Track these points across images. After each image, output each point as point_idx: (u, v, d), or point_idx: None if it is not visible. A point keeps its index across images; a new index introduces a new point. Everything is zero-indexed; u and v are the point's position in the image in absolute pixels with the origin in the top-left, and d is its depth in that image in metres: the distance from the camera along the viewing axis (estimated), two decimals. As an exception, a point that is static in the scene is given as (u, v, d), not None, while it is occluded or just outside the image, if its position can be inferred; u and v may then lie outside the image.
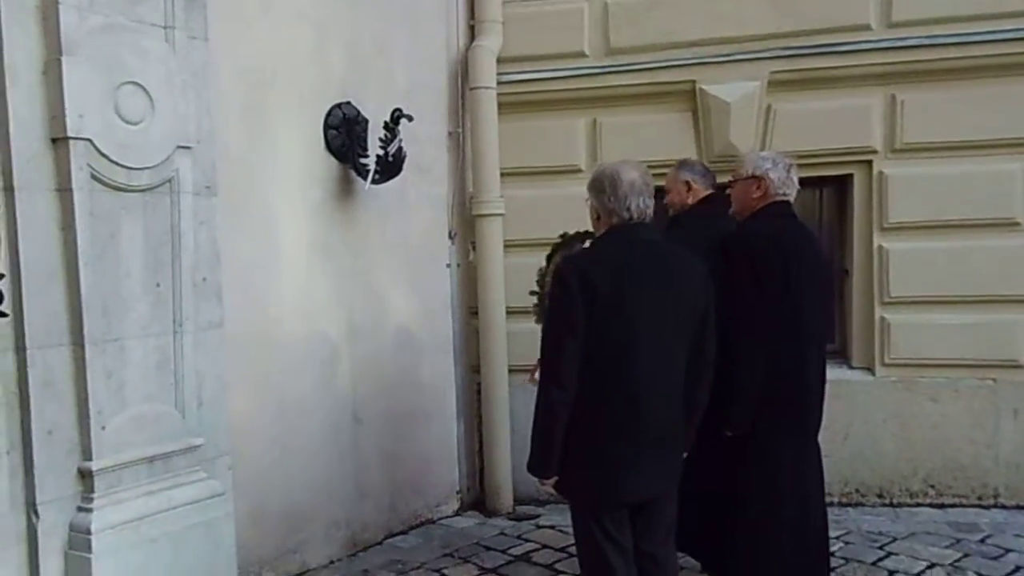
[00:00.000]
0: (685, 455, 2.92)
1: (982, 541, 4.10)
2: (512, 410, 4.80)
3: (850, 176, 4.71)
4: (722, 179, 3.74)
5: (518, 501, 4.84)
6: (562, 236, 4.08)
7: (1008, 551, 3.97)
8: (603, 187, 2.70)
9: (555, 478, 2.73)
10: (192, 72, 3.37)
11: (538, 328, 3.98)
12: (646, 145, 4.70)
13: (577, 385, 2.61)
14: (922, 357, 4.58)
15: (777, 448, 3.04)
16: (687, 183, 3.70)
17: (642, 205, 2.68)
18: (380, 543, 4.40)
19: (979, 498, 4.56)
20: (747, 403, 3.00)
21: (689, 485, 3.13)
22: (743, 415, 3.00)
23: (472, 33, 4.87)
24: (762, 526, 3.03)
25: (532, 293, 4.01)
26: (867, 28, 4.50)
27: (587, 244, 3.86)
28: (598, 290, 2.57)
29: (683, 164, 3.83)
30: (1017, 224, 4.44)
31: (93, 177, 3.07)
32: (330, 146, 4.14)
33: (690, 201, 3.70)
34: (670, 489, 2.82)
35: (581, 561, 2.84)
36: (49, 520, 3.03)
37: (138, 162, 3.19)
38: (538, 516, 4.68)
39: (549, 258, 4.01)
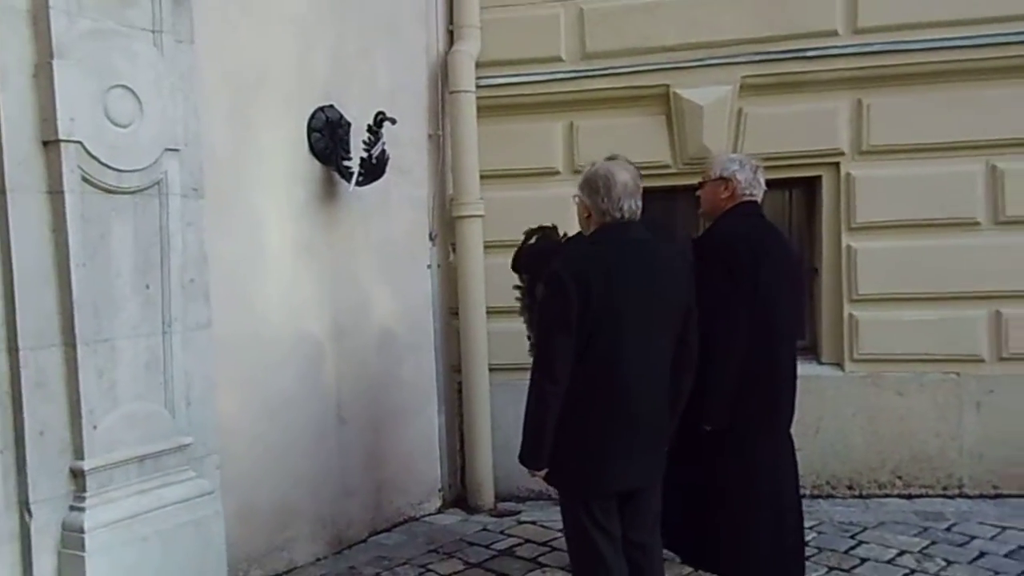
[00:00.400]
0: (667, 449, 3.04)
1: (948, 529, 4.25)
2: (493, 408, 4.87)
3: (819, 178, 4.84)
4: (697, 180, 3.84)
5: (499, 498, 4.92)
6: (527, 233, 4.15)
7: (973, 538, 4.12)
8: (597, 187, 2.79)
9: (545, 470, 2.82)
10: (179, 75, 3.41)
11: (521, 327, 4.06)
12: (621, 147, 4.66)
13: (569, 379, 2.70)
14: (889, 352, 4.72)
15: (753, 441, 3.14)
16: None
17: (633, 206, 2.79)
18: (365, 540, 4.45)
19: (944, 488, 4.71)
20: (722, 398, 3.10)
21: (670, 480, 3.25)
22: (719, 410, 3.10)
23: (451, 38, 4.94)
24: (741, 516, 3.13)
25: (516, 287, 4.07)
26: (834, 34, 4.63)
27: (562, 237, 3.97)
28: (592, 288, 2.66)
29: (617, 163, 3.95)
30: (978, 223, 4.60)
31: (84, 179, 3.10)
32: (313, 148, 4.18)
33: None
34: (656, 479, 2.92)
35: (571, 550, 2.92)
36: (42, 519, 3.06)
37: (128, 164, 3.23)
38: (519, 512, 4.75)
39: (518, 256, 4.06)
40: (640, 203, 2.82)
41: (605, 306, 2.67)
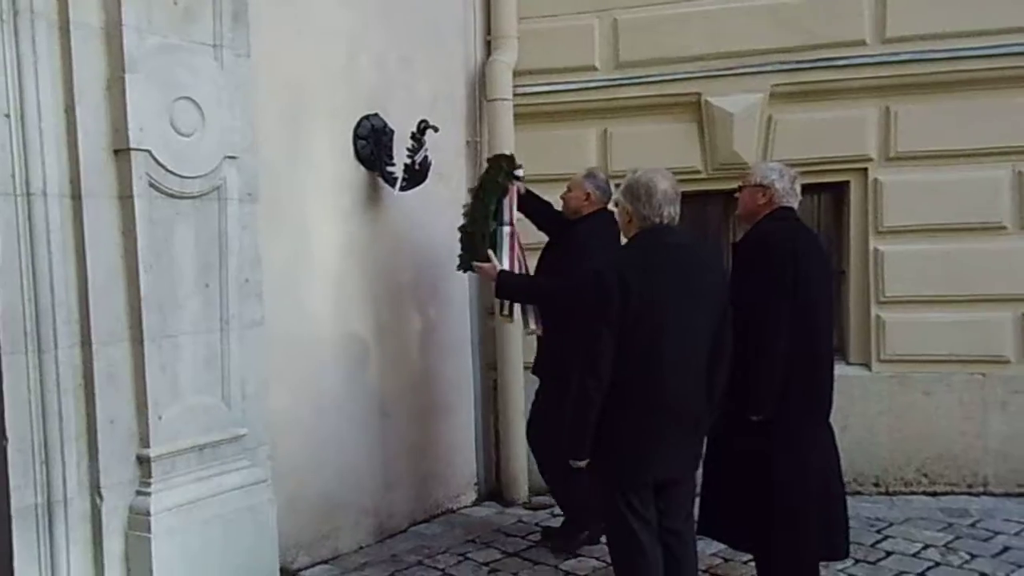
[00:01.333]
0: (713, 443, 3.21)
1: (972, 525, 4.36)
2: (527, 405, 5.03)
3: (847, 183, 4.96)
4: (728, 186, 3.99)
5: (533, 492, 5.07)
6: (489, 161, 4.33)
7: (996, 534, 4.22)
8: (639, 195, 2.96)
9: (587, 460, 2.98)
10: (237, 87, 3.61)
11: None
12: (654, 154, 4.92)
13: (611, 374, 2.86)
14: (915, 353, 4.83)
15: (801, 429, 3.28)
16: (588, 193, 4.14)
17: (672, 212, 2.97)
18: (405, 530, 4.63)
19: (969, 486, 4.81)
20: (768, 391, 3.23)
21: (717, 471, 3.41)
22: (766, 401, 3.23)
23: (489, 48, 5.13)
24: (792, 503, 3.25)
25: (460, 229, 4.26)
26: (863, 44, 4.76)
27: (515, 171, 4.23)
28: (632, 289, 2.83)
29: (591, 175, 4.23)
30: (1004, 228, 4.70)
31: (151, 185, 3.31)
32: (359, 155, 4.38)
33: (585, 209, 4.12)
34: (692, 469, 3.10)
35: (609, 537, 3.09)
36: (112, 502, 3.27)
37: (190, 171, 3.44)
38: (553, 505, 4.88)
39: (477, 190, 4.24)
40: (679, 209, 3.00)
41: (645, 306, 2.84)
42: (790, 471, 3.23)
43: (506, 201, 4.27)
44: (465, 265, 4.31)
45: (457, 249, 4.34)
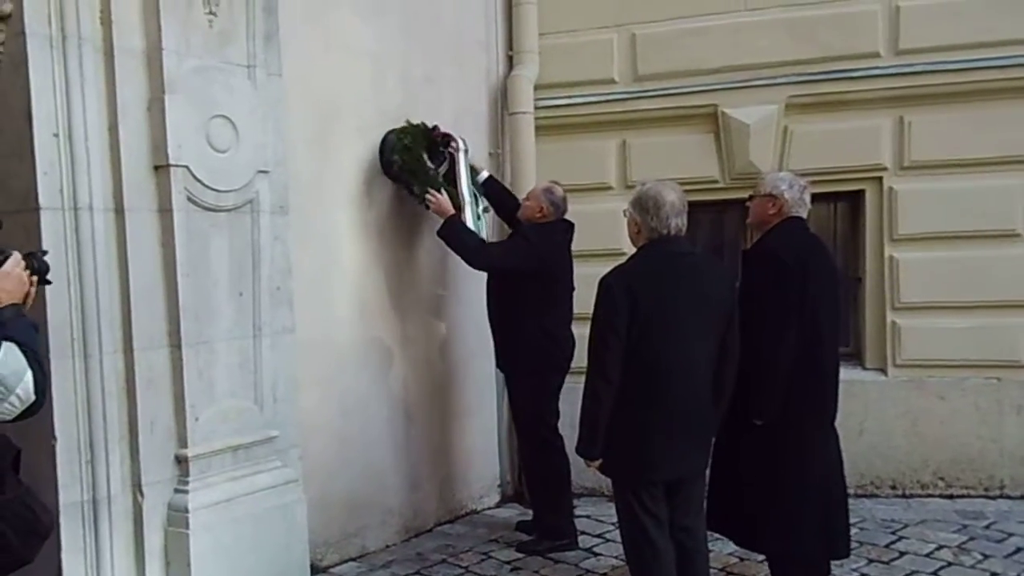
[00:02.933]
0: (721, 444, 3.33)
1: (987, 527, 4.43)
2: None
3: (862, 191, 5.06)
4: (745, 195, 4.09)
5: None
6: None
7: (1011, 535, 4.29)
8: (647, 206, 3.10)
9: (600, 460, 3.12)
10: (270, 105, 3.78)
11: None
12: (672, 164, 5.08)
13: (621, 379, 3.00)
14: (931, 358, 4.91)
15: (805, 434, 3.38)
16: (542, 206, 4.41)
17: (680, 223, 3.11)
18: (430, 530, 4.78)
19: (985, 489, 4.87)
20: (773, 396, 3.34)
21: (724, 468, 3.53)
22: (770, 406, 3.34)
23: (511, 63, 5.29)
24: (793, 501, 3.35)
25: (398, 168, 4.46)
26: (877, 55, 4.86)
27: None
28: (640, 297, 2.98)
29: (549, 190, 4.47)
30: (1018, 235, 4.77)
31: (189, 199, 3.49)
32: (385, 168, 4.55)
33: (538, 219, 4.41)
34: (701, 469, 3.22)
35: (623, 533, 3.22)
36: (152, 500, 3.44)
37: (225, 185, 3.62)
38: (574, 508, 5.02)
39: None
40: (685, 221, 3.13)
41: (653, 312, 2.98)
42: (792, 473, 3.34)
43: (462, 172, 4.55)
44: (420, 196, 4.46)
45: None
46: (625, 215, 3.23)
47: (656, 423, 3.04)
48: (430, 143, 4.55)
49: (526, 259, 4.31)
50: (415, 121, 4.59)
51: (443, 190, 4.43)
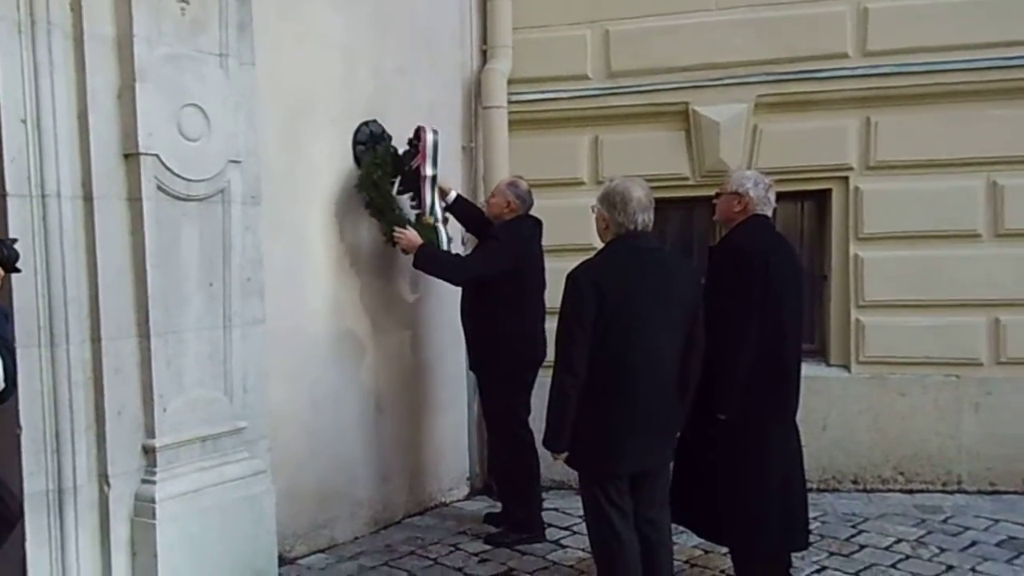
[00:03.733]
0: (684, 438, 3.39)
1: (944, 521, 4.53)
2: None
3: (829, 191, 5.13)
4: (714, 192, 4.14)
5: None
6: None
7: (967, 529, 4.40)
8: (615, 202, 3.14)
9: (566, 453, 3.15)
10: (242, 94, 3.76)
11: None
12: (643, 161, 5.13)
13: (587, 373, 3.04)
14: (893, 355, 5.00)
15: (764, 428, 3.44)
16: (508, 201, 4.45)
17: (646, 219, 3.15)
18: (399, 522, 4.79)
19: (944, 484, 4.98)
20: (735, 390, 3.40)
21: (687, 462, 3.58)
22: (732, 401, 3.40)
23: (484, 57, 5.30)
24: (755, 494, 3.42)
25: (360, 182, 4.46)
26: (845, 56, 4.93)
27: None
28: (607, 292, 3.02)
29: (513, 184, 4.53)
30: (979, 235, 4.88)
31: (159, 188, 3.47)
32: (358, 160, 4.53)
33: (506, 215, 4.44)
34: (666, 462, 3.27)
35: (589, 526, 3.26)
36: (118, 490, 3.43)
37: (196, 175, 3.60)
38: (542, 501, 5.06)
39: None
40: (652, 216, 3.17)
41: (619, 307, 3.02)
42: (753, 467, 3.40)
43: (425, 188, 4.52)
44: (387, 234, 4.48)
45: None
46: (593, 211, 3.26)
47: (622, 417, 3.07)
48: (397, 167, 4.53)
49: (504, 260, 4.33)
50: (389, 114, 4.61)
51: (408, 226, 4.43)
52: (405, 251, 4.41)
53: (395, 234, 4.39)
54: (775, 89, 5.02)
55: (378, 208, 4.46)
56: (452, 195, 4.72)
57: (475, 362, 4.66)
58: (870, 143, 4.99)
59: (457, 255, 4.60)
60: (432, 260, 4.41)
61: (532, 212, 4.58)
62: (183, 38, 3.55)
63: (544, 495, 4.96)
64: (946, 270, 4.90)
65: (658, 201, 5.17)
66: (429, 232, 4.49)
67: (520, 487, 4.53)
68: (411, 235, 4.36)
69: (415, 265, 4.42)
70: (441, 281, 4.90)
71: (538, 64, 5.24)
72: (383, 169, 4.47)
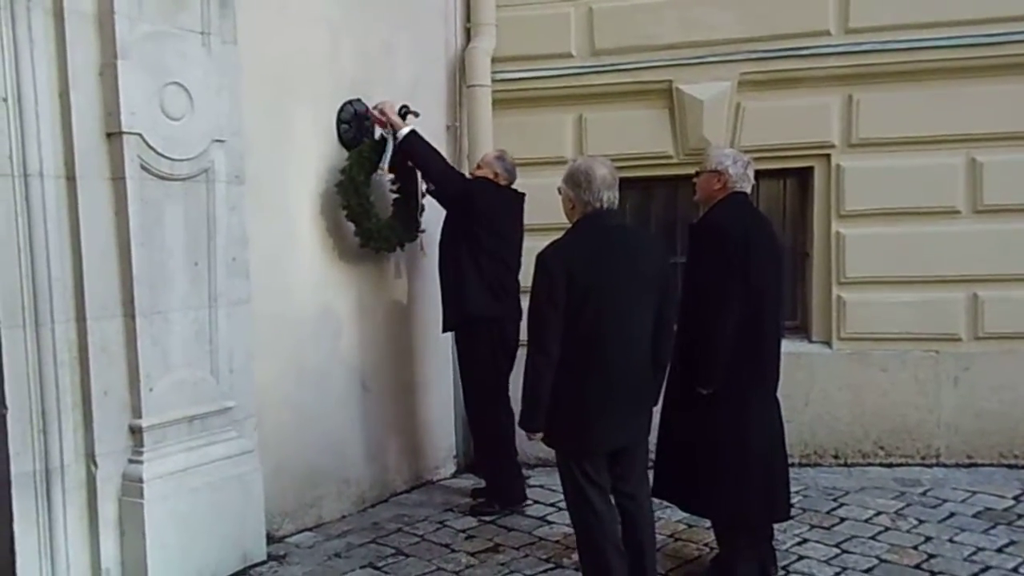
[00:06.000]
0: (667, 413, 3.42)
1: (923, 494, 4.60)
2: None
3: (811, 168, 5.16)
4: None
5: (509, 464, 5.27)
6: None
7: (945, 501, 4.47)
8: (580, 181, 3.14)
9: (541, 432, 3.18)
10: (224, 73, 3.76)
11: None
12: (627, 139, 5.16)
13: (560, 352, 3.05)
14: (874, 331, 5.05)
15: (745, 402, 3.48)
16: (496, 173, 4.55)
17: (611, 196, 3.15)
18: (386, 500, 4.82)
19: (923, 457, 5.05)
20: (716, 366, 3.43)
21: (669, 436, 3.62)
22: (713, 375, 3.44)
23: (468, 35, 5.28)
24: (736, 466, 3.45)
25: (338, 185, 4.45)
26: (827, 34, 4.94)
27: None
28: (576, 271, 3.03)
29: (500, 157, 4.61)
30: (958, 212, 4.92)
31: (142, 167, 3.47)
32: (342, 139, 4.53)
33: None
34: (643, 437, 3.31)
35: (568, 502, 3.30)
36: (106, 470, 3.45)
37: (180, 154, 3.59)
38: (528, 478, 5.09)
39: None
40: (617, 194, 3.18)
41: (589, 285, 3.04)
42: (735, 441, 3.44)
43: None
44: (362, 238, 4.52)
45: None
46: (559, 192, 3.26)
47: (597, 394, 3.09)
48: (373, 164, 4.52)
49: (482, 193, 4.47)
50: (373, 93, 4.62)
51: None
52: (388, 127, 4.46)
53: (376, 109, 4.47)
54: (758, 67, 5.03)
55: (355, 215, 4.46)
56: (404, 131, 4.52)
57: (449, 318, 4.65)
58: (852, 121, 5.01)
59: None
60: (420, 146, 4.46)
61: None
62: (164, 15, 3.53)
63: (529, 472, 5.03)
64: (926, 246, 4.94)
65: (642, 180, 5.32)
66: (387, 230, 4.59)
67: (498, 451, 4.60)
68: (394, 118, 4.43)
69: (405, 145, 4.42)
70: (424, 259, 4.93)
71: (522, 42, 5.23)
72: (364, 170, 4.45)
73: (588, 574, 3.27)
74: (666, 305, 3.22)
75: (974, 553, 3.84)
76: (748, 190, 3.62)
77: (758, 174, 3.82)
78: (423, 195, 4.75)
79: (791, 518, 3.82)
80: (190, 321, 3.71)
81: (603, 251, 3.09)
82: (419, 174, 4.67)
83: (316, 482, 4.47)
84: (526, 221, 4.68)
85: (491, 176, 4.55)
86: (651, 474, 3.53)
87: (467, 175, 4.89)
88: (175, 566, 3.56)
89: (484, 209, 4.45)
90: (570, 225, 3.26)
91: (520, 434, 3.44)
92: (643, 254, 3.19)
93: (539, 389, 3.10)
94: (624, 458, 3.25)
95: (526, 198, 4.69)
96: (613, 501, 3.26)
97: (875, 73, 4.93)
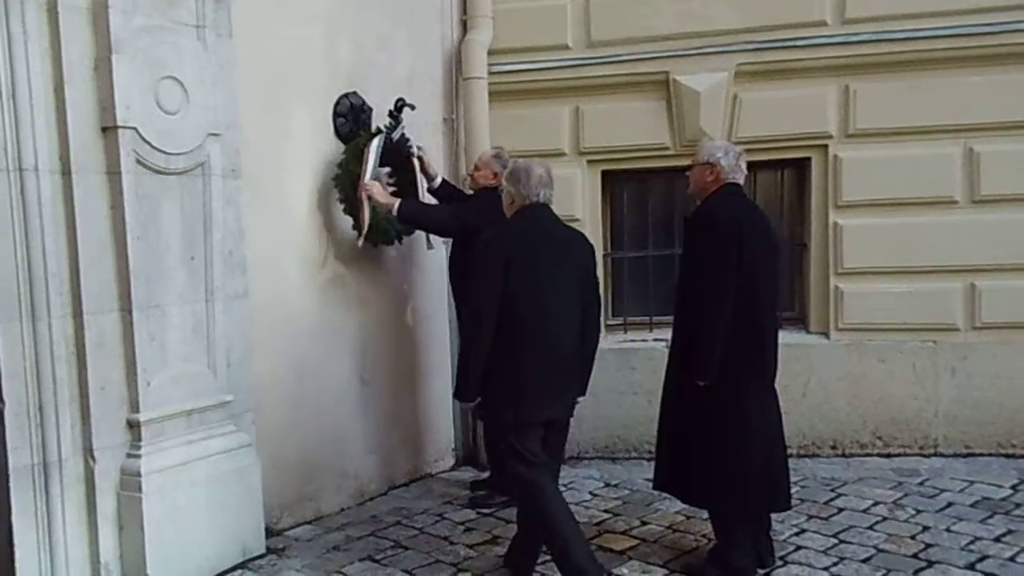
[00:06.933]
0: (666, 406, 3.46)
1: (921, 484, 4.61)
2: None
3: (808, 159, 5.15)
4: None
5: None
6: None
7: (943, 491, 4.48)
8: (519, 178, 3.49)
9: (476, 401, 3.42)
10: (220, 67, 3.75)
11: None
12: (624, 131, 5.16)
13: (496, 327, 3.32)
14: (872, 322, 5.05)
15: (743, 393, 3.48)
16: (495, 173, 4.46)
17: (547, 193, 3.50)
18: (385, 493, 4.83)
19: (921, 448, 5.06)
20: (711, 358, 3.43)
21: (671, 432, 3.62)
22: (709, 367, 3.44)
23: (465, 28, 5.27)
24: (735, 459, 3.45)
25: (335, 178, 4.49)
26: (823, 24, 4.94)
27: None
28: (513, 256, 3.34)
29: (498, 156, 4.58)
30: (955, 202, 4.92)
31: (138, 162, 3.46)
32: (339, 132, 4.52)
33: (493, 183, 4.43)
34: (569, 413, 3.57)
35: (512, 484, 3.51)
36: (104, 464, 3.45)
37: (175, 148, 3.59)
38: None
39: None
40: (552, 191, 3.52)
41: (525, 269, 3.34)
42: (734, 433, 3.44)
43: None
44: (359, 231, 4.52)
45: None
46: (501, 191, 3.60)
47: (531, 367, 3.34)
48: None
49: (489, 217, 4.37)
50: (369, 86, 4.62)
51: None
52: (381, 208, 4.46)
53: (364, 187, 4.42)
54: (754, 58, 5.02)
55: (352, 208, 4.48)
56: (438, 180, 4.78)
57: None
58: (849, 111, 5.00)
59: (445, 205, 4.69)
60: (421, 210, 4.56)
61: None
62: (159, 8, 3.53)
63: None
64: (923, 237, 4.94)
65: (639, 172, 5.33)
66: (384, 223, 4.55)
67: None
68: (378, 195, 4.42)
69: (401, 216, 4.44)
70: (423, 252, 4.93)
71: (518, 34, 5.22)
72: (360, 164, 4.44)
73: (553, 545, 3.39)
74: (591, 296, 3.53)
75: (971, 542, 3.85)
76: (741, 181, 3.62)
77: (755, 165, 3.84)
78: (424, 193, 4.72)
79: (791, 507, 3.82)
80: (187, 315, 3.70)
81: (538, 237, 3.43)
82: (416, 168, 4.67)
83: (315, 475, 4.47)
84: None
85: (490, 176, 4.49)
86: (652, 466, 3.55)
87: (463, 188, 4.93)
88: (174, 560, 3.56)
89: (487, 226, 4.37)
90: (509, 216, 3.55)
91: None
92: (572, 244, 3.52)
93: (474, 360, 3.37)
94: (550, 432, 3.48)
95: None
96: None
97: (872, 63, 4.93)
